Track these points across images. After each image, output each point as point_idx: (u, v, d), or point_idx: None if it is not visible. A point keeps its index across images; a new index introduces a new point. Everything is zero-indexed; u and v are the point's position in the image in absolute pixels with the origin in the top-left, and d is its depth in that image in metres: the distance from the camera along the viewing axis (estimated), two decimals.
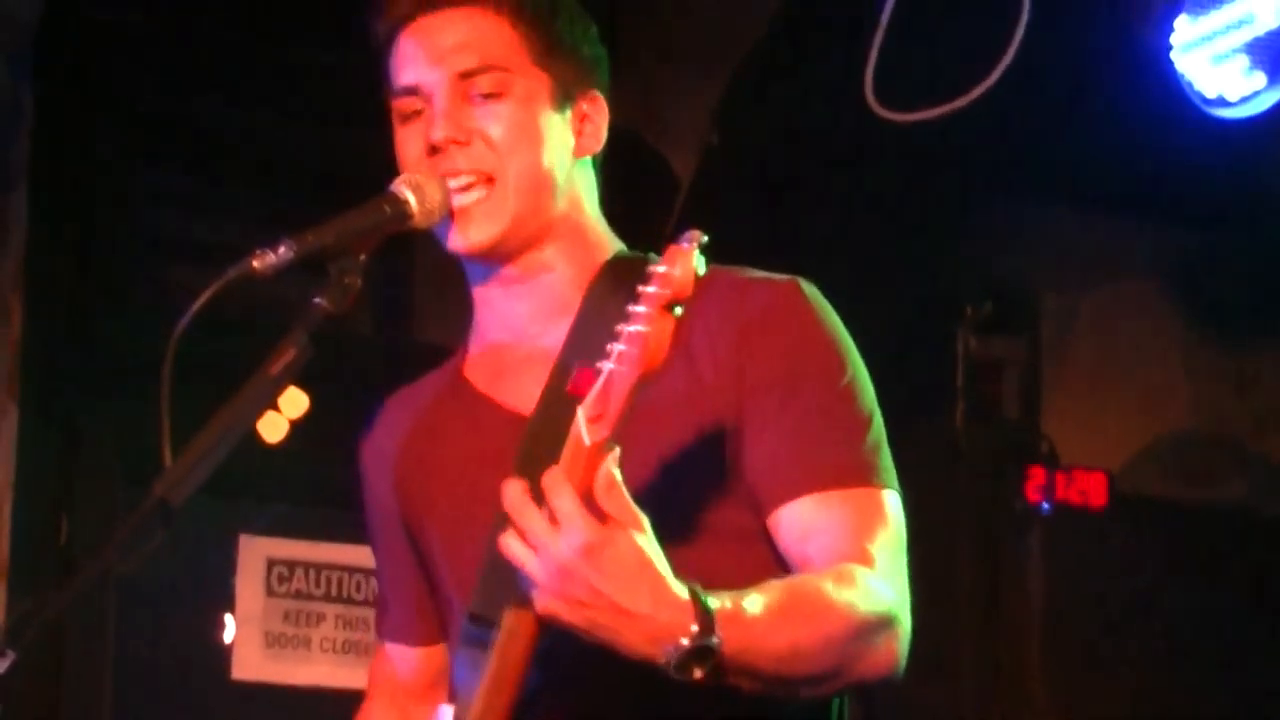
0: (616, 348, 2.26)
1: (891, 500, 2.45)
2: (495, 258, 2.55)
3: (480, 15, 2.60)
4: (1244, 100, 4.63)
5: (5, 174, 4.74)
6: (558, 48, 2.62)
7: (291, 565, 4.72)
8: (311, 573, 4.76)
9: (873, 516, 2.44)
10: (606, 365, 2.27)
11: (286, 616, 4.68)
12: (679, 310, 2.23)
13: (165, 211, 5.02)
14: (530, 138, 2.60)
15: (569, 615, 2.24)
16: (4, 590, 4.44)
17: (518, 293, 2.61)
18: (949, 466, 5.15)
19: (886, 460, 2.48)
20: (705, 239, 2.19)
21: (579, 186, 2.67)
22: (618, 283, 2.59)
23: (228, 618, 4.63)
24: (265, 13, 4.54)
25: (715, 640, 2.19)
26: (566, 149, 2.62)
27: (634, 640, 2.22)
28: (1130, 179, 5.09)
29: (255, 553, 4.65)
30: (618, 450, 2.23)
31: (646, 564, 2.25)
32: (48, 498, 4.56)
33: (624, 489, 2.26)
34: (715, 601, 2.22)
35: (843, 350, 2.52)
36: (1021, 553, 5.21)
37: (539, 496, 2.27)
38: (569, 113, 2.63)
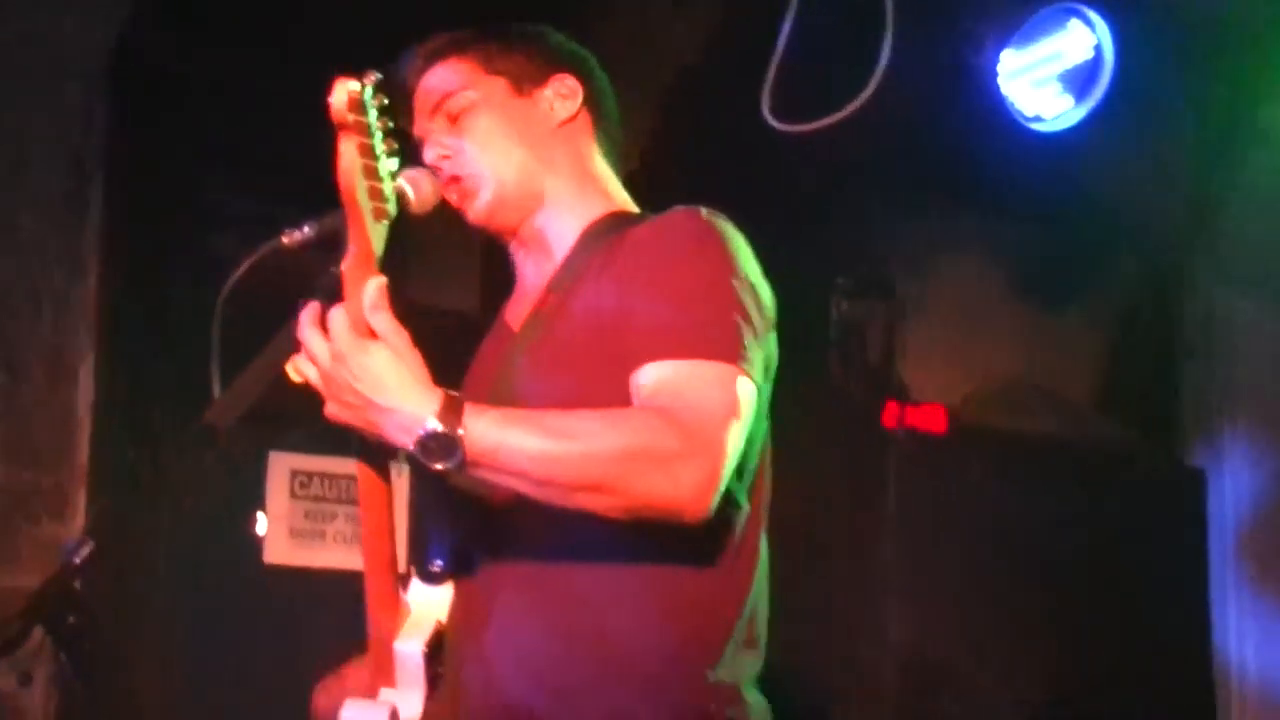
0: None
1: (741, 382, 2.46)
2: (498, 229, 2.69)
3: (441, 65, 2.73)
4: (1056, 118, 4.76)
5: (84, 167, 4.68)
6: (503, 54, 2.74)
7: (310, 475, 4.77)
8: (326, 481, 4.80)
9: (711, 384, 2.46)
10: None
11: (306, 515, 4.76)
12: (352, 139, 2.28)
13: (214, 190, 4.83)
14: (497, 134, 2.71)
15: (343, 415, 2.31)
16: (84, 494, 4.43)
17: (524, 252, 2.72)
18: (825, 402, 5.18)
19: (750, 351, 2.49)
20: (376, 76, 2.27)
21: (564, 153, 2.76)
22: (604, 233, 2.68)
23: (260, 515, 4.70)
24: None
25: (460, 431, 2.24)
26: (543, 125, 2.73)
27: (392, 430, 2.27)
28: (968, 178, 5.10)
29: (282, 466, 4.74)
30: (383, 279, 2.31)
31: (396, 366, 2.29)
32: (119, 424, 4.55)
33: (387, 310, 2.33)
34: (471, 405, 2.30)
35: (728, 253, 2.57)
36: (880, 468, 5.21)
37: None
38: (536, 96, 2.72)
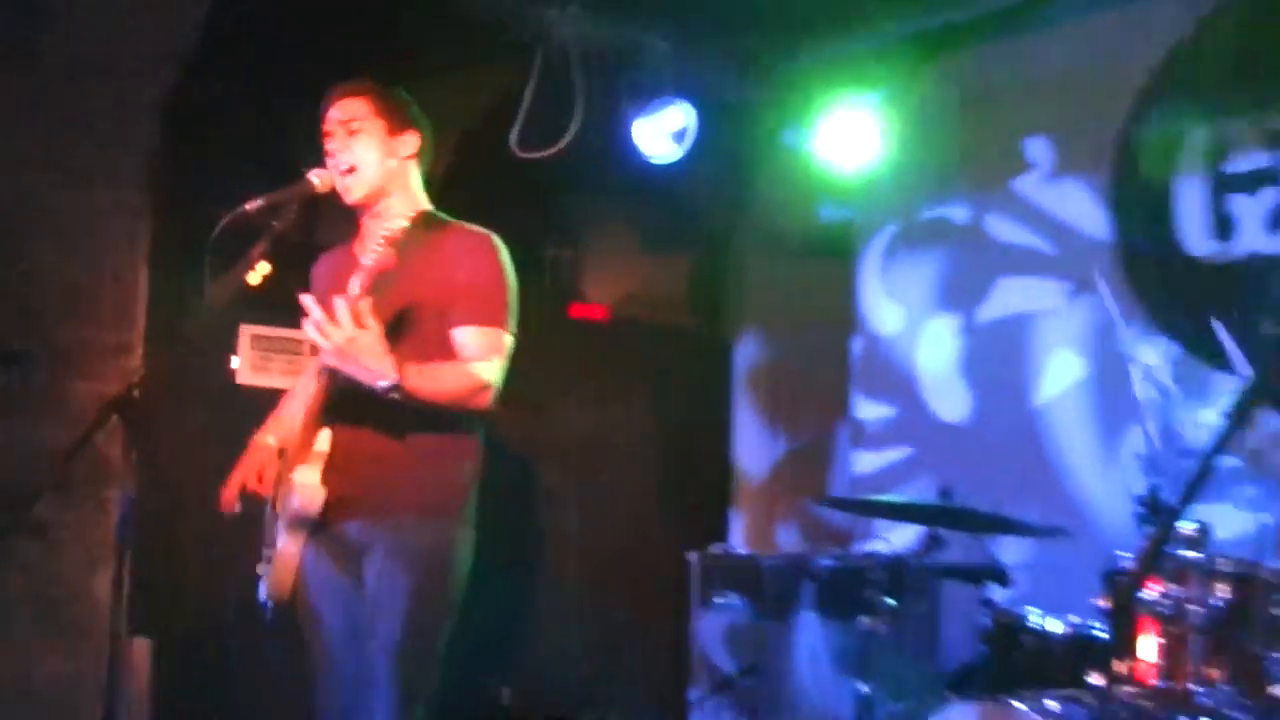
0: (369, 257, 3.06)
1: (507, 338, 3.30)
2: (362, 205, 3.40)
3: (353, 98, 3.38)
4: (665, 155, 5.68)
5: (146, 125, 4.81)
6: (385, 110, 3.38)
7: (262, 336, 5.24)
8: (271, 340, 5.24)
9: (496, 341, 3.32)
10: (366, 260, 3.07)
11: (260, 358, 5.27)
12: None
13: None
14: (374, 151, 3.36)
15: (340, 364, 3.08)
16: (142, 346, 4.87)
17: (374, 216, 3.40)
18: (541, 308, 4.72)
19: (512, 323, 3.31)
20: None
21: (405, 173, 3.40)
22: (424, 226, 3.36)
23: (234, 357, 5.20)
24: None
25: (400, 381, 3.05)
26: (396, 155, 3.39)
27: (368, 378, 3.04)
28: (618, 183, 5.96)
29: (246, 331, 5.24)
30: (369, 300, 2.99)
31: (376, 345, 3.03)
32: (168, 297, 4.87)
33: (369, 312, 2.98)
34: (409, 367, 3.05)
35: (505, 271, 3.33)
36: (567, 341, 5.93)
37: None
38: (396, 140, 3.40)
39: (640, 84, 5.52)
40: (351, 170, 3.28)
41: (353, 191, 3.29)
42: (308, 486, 3.17)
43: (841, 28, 5.40)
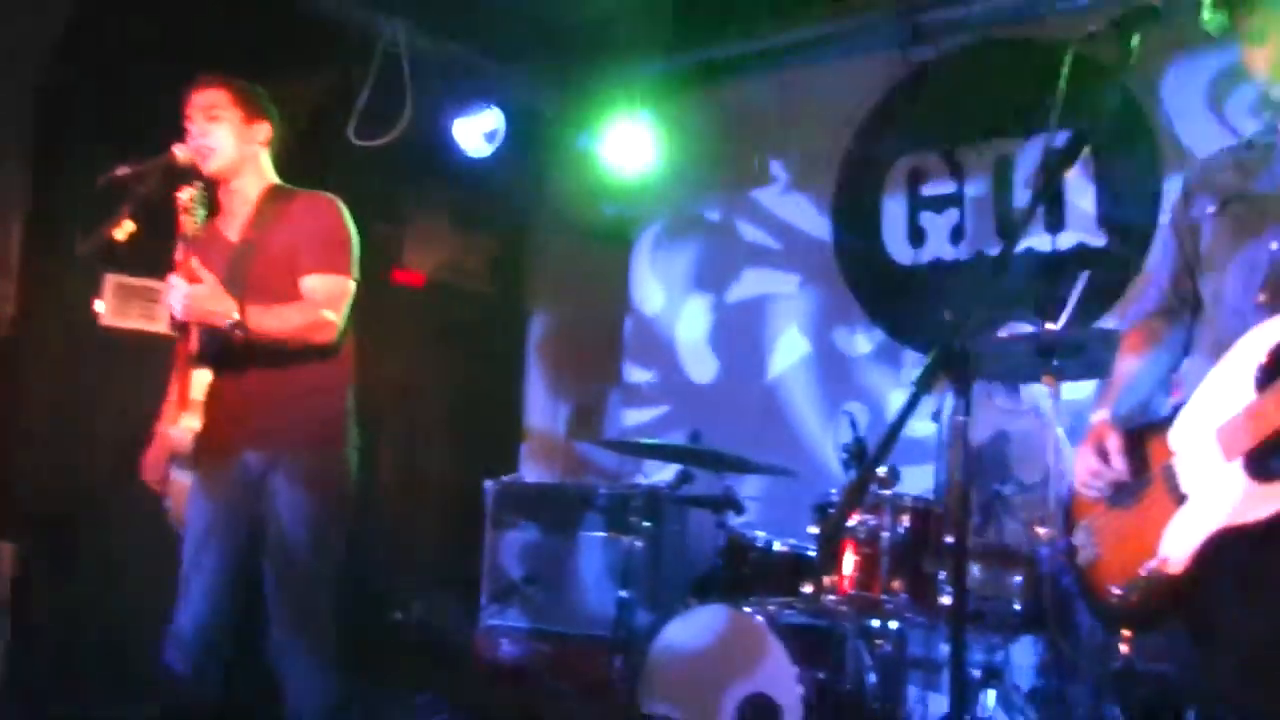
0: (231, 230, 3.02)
1: (350, 284, 3.21)
2: (220, 178, 3.25)
3: (213, 89, 3.24)
4: (479, 150, 5.66)
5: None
6: (241, 101, 3.25)
7: (123, 285, 4.88)
8: (131, 288, 4.87)
9: (341, 286, 3.23)
10: (229, 233, 3.02)
11: (121, 302, 4.88)
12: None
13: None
14: (230, 136, 3.24)
15: (188, 317, 3.00)
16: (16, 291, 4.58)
17: (231, 192, 3.28)
18: (367, 273, 4.46)
19: (355, 270, 3.24)
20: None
21: (257, 155, 3.29)
22: (275, 197, 3.28)
23: (99, 301, 4.83)
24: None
25: (242, 319, 2.95)
26: (250, 141, 3.27)
27: (216, 320, 2.94)
28: (441, 173, 5.82)
29: (111, 279, 4.86)
30: (197, 259, 2.91)
31: (212, 293, 2.95)
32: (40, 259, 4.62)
33: (205, 270, 2.91)
34: (251, 308, 2.95)
35: (347, 225, 3.25)
36: (386, 306, 5.40)
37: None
38: (250, 128, 3.27)
39: (461, 90, 5.52)
40: (210, 151, 3.17)
41: (210, 165, 3.18)
42: (180, 429, 3.07)
43: (625, 56, 5.49)
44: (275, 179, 3.31)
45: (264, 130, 3.25)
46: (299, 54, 4.75)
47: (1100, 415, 2.48)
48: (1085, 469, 2.43)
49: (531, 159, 6.04)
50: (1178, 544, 2.25)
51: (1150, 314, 2.58)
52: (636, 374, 6.29)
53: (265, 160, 3.30)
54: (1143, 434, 2.43)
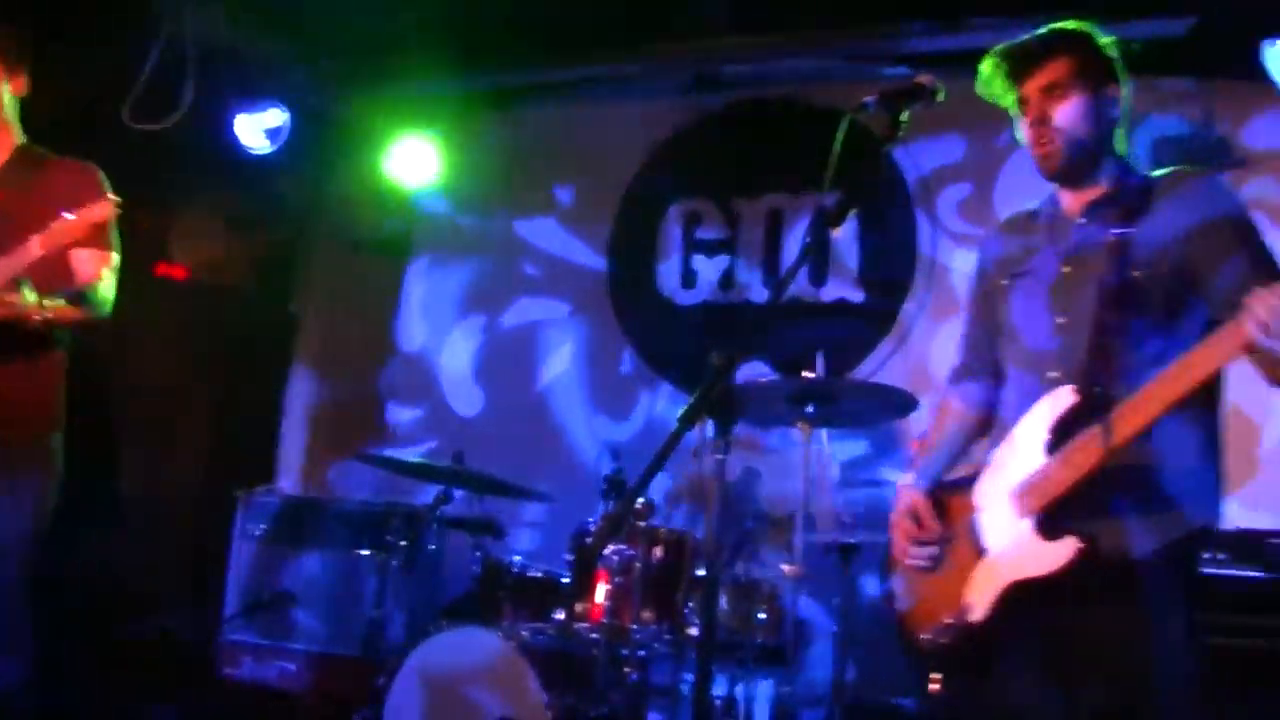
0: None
1: (115, 258, 3.23)
2: None
3: None
4: (262, 148, 5.53)
5: None
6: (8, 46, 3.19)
7: None
8: None
9: (107, 261, 3.25)
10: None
11: None
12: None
13: None
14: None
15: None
16: None
17: None
18: (128, 262, 4.46)
19: (119, 244, 3.24)
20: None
21: (10, 108, 3.28)
22: (22, 155, 3.30)
23: None
24: None
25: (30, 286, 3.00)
26: (8, 95, 3.26)
27: (17, 273, 2.97)
28: (224, 168, 5.65)
29: None
30: None
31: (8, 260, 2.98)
32: None
33: None
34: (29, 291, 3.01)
35: (111, 204, 3.10)
36: (150, 299, 5.17)
37: None
38: (7, 81, 3.25)
39: (247, 84, 5.41)
40: None
41: None
42: None
43: (420, 72, 5.43)
44: (22, 136, 3.25)
45: (20, 83, 3.22)
46: (81, 23, 4.63)
47: (906, 480, 2.65)
48: (904, 536, 2.58)
49: (313, 163, 5.97)
50: (979, 594, 2.40)
51: (957, 383, 2.75)
52: (402, 413, 6.25)
53: (14, 114, 3.24)
54: (945, 493, 2.61)
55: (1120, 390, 2.25)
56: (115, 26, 4.82)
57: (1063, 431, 2.29)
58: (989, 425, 2.66)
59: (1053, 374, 2.38)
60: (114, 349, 4.98)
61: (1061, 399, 2.32)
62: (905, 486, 2.62)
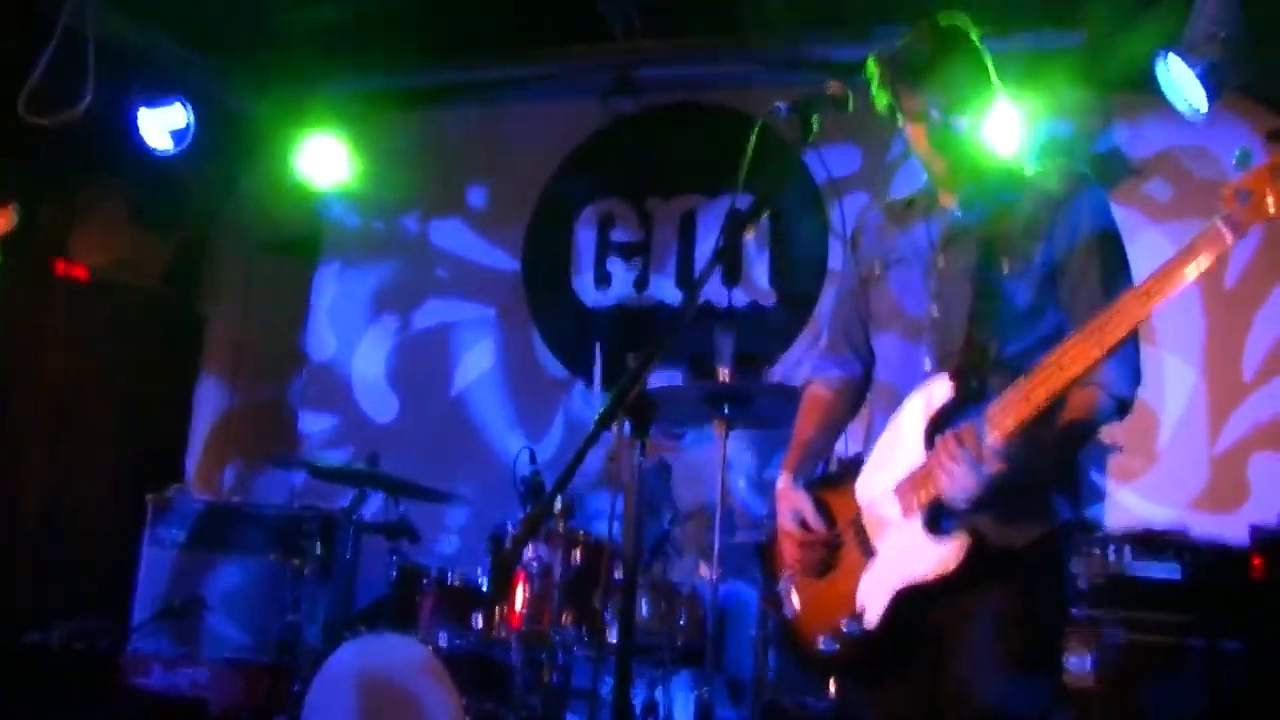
0: None
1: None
2: None
3: None
4: (162, 146, 5.26)
5: None
6: None
7: None
8: None
9: None
10: None
11: None
12: None
13: None
14: None
15: None
16: None
17: None
18: (24, 260, 5.04)
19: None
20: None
21: None
22: None
23: None
24: None
25: None
26: None
27: None
28: (118, 168, 5.57)
29: None
30: None
31: None
32: None
33: None
34: None
35: None
36: (48, 298, 5.51)
37: None
38: None
39: (150, 79, 5.27)
40: None
41: None
42: None
43: (333, 70, 5.45)
44: None
45: None
46: None
47: (784, 481, 2.57)
48: (792, 543, 2.50)
49: (222, 161, 5.86)
50: (871, 598, 2.36)
51: (825, 370, 2.69)
52: (315, 421, 6.18)
53: None
54: (825, 491, 2.55)
55: (995, 382, 2.26)
56: (12, 15, 4.73)
57: (941, 425, 2.27)
58: (858, 405, 2.64)
59: (930, 361, 2.37)
60: (14, 348, 5.09)
61: (938, 392, 2.30)
62: (785, 489, 2.54)
